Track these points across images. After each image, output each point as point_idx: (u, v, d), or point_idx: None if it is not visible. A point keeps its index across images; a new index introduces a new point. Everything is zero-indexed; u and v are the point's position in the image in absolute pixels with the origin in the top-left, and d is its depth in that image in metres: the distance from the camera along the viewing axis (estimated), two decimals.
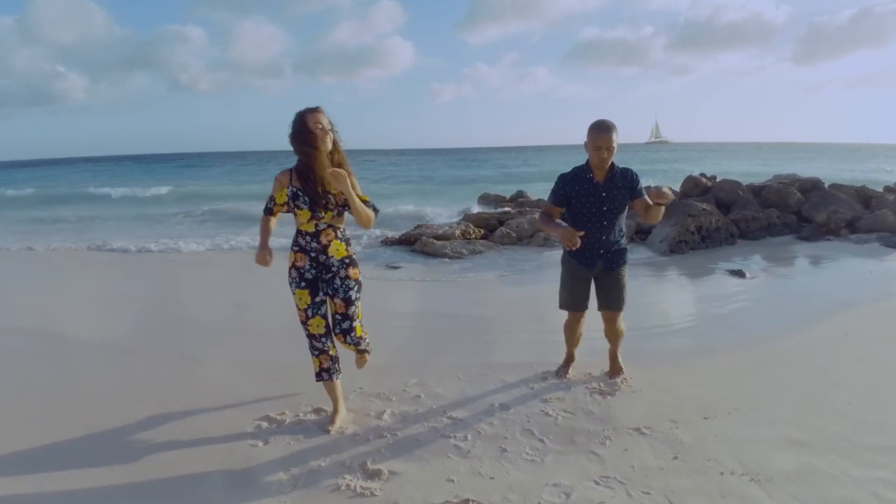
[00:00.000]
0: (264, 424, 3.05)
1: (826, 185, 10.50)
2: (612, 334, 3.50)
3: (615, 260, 3.31)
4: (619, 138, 3.11)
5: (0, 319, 5.22)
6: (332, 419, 3.07)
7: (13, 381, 3.74)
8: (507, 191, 16.32)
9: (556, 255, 8.07)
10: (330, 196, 2.84)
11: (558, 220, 3.28)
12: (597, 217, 3.21)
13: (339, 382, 3.09)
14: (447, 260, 7.86)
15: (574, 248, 3.00)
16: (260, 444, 2.86)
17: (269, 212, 2.96)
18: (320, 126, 2.77)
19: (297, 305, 2.97)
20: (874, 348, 4.09)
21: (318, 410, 3.20)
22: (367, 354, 3.23)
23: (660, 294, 6.05)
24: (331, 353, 3.02)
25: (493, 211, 11.91)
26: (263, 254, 2.95)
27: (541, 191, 14.11)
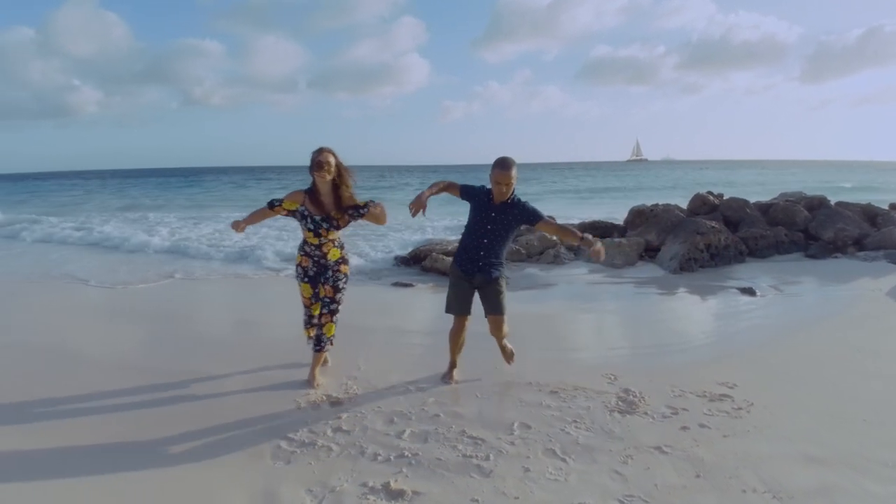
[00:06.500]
0: (283, 444, 3.07)
1: (832, 202, 10.55)
2: (497, 335, 3.89)
3: (490, 271, 3.67)
4: (518, 174, 3.55)
5: (9, 336, 5.22)
6: (314, 379, 3.86)
7: (28, 398, 3.74)
8: None
9: (568, 272, 8.14)
10: (332, 220, 3.66)
11: (443, 188, 3.71)
12: (481, 232, 3.64)
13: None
14: None
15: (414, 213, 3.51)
16: (281, 464, 2.87)
17: (271, 205, 3.66)
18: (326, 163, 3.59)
19: (301, 293, 3.90)
20: (886, 364, 4.10)
21: (336, 430, 3.22)
22: (325, 353, 3.94)
23: (672, 311, 6.07)
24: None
25: None
26: (240, 223, 3.70)
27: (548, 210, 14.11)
